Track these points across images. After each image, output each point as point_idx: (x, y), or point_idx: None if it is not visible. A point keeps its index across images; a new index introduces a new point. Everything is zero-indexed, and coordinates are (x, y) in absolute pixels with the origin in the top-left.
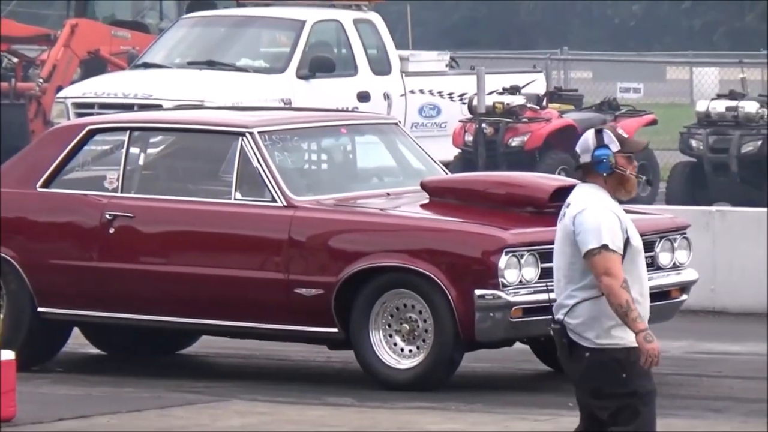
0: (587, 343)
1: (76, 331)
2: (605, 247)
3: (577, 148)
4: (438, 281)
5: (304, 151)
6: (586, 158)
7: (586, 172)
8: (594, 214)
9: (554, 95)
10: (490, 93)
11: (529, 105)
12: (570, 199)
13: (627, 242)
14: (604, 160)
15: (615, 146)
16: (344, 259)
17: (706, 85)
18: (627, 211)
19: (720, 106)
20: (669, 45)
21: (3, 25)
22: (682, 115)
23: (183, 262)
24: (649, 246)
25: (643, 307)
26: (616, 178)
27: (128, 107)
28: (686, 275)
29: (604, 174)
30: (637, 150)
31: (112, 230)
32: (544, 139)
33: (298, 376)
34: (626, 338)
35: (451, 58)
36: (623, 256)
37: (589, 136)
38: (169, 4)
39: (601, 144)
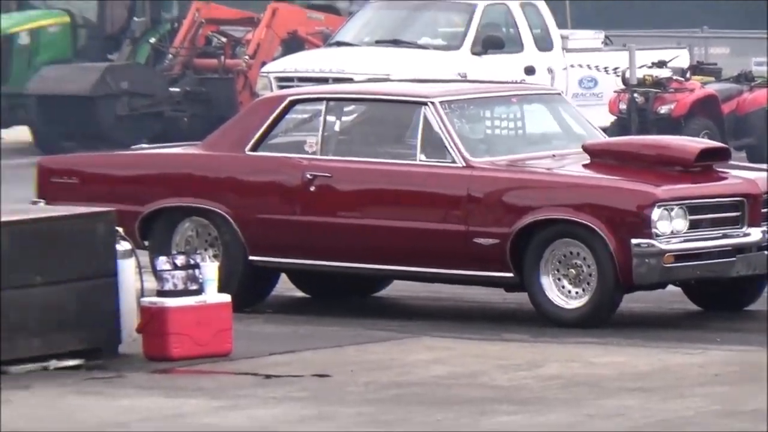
0: None
1: (283, 276)
2: None
3: None
4: (599, 232)
5: (479, 118)
6: None
7: None
8: None
9: (696, 68)
10: (641, 67)
11: (674, 77)
12: None
13: None
14: None
15: None
16: (517, 212)
17: None
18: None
19: None
20: None
21: (213, 9)
22: None
23: (375, 215)
24: None
25: None
26: None
27: (324, 80)
28: None
29: None
30: None
31: (312, 188)
32: (689, 107)
33: (479, 316)
34: None
35: (606, 37)
36: None
37: None
38: None
39: None
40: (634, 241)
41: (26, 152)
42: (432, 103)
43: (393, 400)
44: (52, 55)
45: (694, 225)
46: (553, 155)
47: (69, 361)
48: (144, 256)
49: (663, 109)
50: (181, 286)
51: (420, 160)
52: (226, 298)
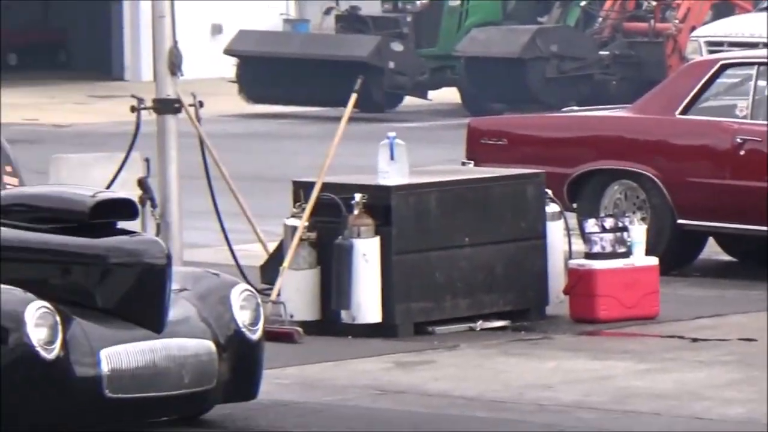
0: None
1: (710, 239)
2: None
3: None
4: None
5: None
6: None
7: None
8: None
9: None
10: None
11: None
12: None
13: None
14: None
15: None
16: None
17: None
18: None
19: None
20: None
21: None
22: None
23: None
24: None
25: None
26: None
27: (754, 45)
28: None
29: None
30: None
31: (742, 152)
32: None
33: None
34: None
35: None
36: None
37: None
38: None
39: None
40: None
41: (454, 114)
42: None
43: None
44: (482, 17)
45: None
46: None
47: (495, 322)
48: (572, 218)
49: None
50: (609, 249)
51: None
52: (654, 261)
